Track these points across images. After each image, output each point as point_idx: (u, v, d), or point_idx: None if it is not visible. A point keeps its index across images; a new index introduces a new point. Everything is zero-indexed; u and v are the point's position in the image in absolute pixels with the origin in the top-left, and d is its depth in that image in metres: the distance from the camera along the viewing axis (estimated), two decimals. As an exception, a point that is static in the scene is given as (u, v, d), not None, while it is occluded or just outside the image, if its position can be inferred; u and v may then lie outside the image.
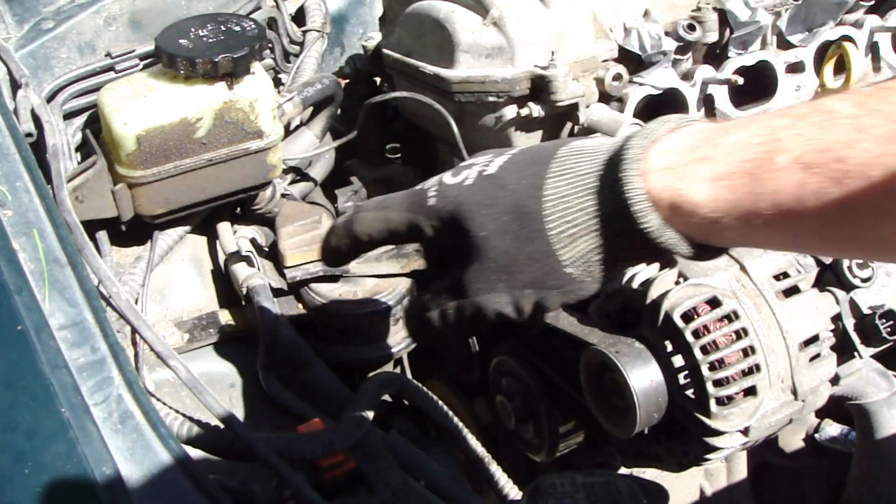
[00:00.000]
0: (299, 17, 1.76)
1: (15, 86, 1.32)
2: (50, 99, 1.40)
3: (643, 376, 1.09)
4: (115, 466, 0.80)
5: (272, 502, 0.97)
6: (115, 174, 1.26)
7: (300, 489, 0.93)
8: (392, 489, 1.03)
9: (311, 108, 1.55)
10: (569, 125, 1.35)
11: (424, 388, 1.22)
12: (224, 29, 1.30)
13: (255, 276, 1.24)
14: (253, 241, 1.40)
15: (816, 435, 1.41)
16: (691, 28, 1.39)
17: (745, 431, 1.08)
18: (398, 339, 1.33)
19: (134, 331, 1.07)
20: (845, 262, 1.16)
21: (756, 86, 1.45)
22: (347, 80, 1.70)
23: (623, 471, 1.27)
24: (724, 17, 1.41)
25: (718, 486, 1.44)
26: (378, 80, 1.71)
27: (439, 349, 1.62)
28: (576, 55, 1.30)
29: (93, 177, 1.26)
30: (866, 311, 1.13)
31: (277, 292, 1.29)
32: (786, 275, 1.14)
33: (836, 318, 1.13)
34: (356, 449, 1.08)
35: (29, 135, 1.22)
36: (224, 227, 1.40)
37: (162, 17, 1.48)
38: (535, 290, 0.80)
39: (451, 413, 1.24)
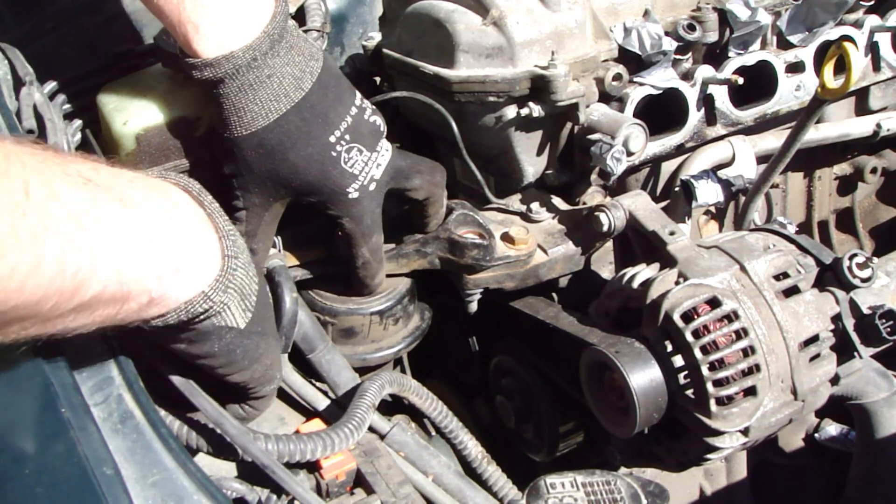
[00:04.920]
0: (299, 17, 1.75)
1: (19, 84, 1.31)
2: (50, 98, 1.39)
3: (643, 376, 1.09)
4: (116, 466, 0.80)
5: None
6: (115, 174, 1.26)
7: (295, 489, 0.92)
8: (392, 489, 1.03)
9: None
10: (569, 125, 1.35)
11: (424, 388, 1.22)
12: (224, 28, 1.29)
13: (275, 257, 1.24)
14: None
15: (816, 435, 1.41)
16: (691, 28, 1.39)
17: (745, 431, 1.08)
18: (398, 339, 1.33)
19: (134, 330, 1.06)
20: (845, 262, 1.16)
21: (756, 86, 1.45)
22: (347, 80, 1.70)
23: (623, 471, 1.27)
24: (724, 17, 1.41)
25: (718, 485, 1.44)
26: (378, 79, 1.71)
27: (439, 349, 1.62)
28: (576, 55, 1.30)
29: (93, 176, 1.25)
30: (866, 311, 1.13)
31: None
32: (786, 275, 1.14)
33: (836, 318, 1.13)
34: (356, 449, 1.08)
35: (31, 131, 1.21)
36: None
37: (162, 16, 1.47)
38: None
39: (450, 413, 1.24)
